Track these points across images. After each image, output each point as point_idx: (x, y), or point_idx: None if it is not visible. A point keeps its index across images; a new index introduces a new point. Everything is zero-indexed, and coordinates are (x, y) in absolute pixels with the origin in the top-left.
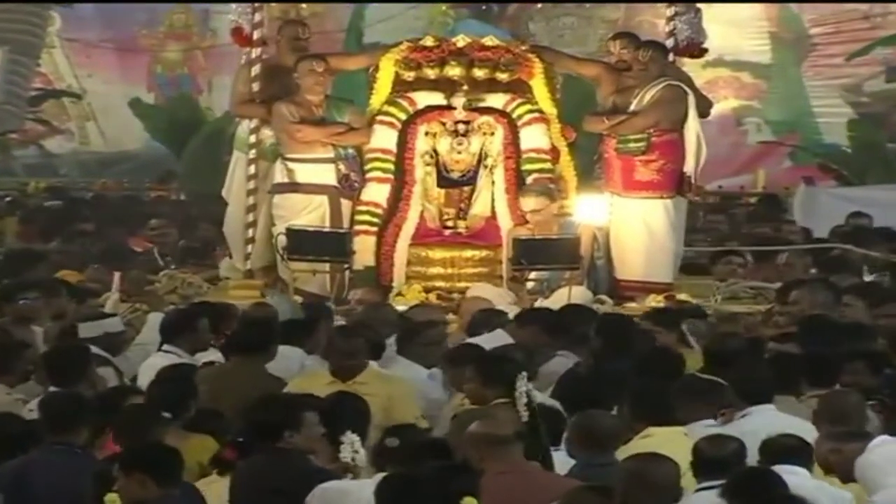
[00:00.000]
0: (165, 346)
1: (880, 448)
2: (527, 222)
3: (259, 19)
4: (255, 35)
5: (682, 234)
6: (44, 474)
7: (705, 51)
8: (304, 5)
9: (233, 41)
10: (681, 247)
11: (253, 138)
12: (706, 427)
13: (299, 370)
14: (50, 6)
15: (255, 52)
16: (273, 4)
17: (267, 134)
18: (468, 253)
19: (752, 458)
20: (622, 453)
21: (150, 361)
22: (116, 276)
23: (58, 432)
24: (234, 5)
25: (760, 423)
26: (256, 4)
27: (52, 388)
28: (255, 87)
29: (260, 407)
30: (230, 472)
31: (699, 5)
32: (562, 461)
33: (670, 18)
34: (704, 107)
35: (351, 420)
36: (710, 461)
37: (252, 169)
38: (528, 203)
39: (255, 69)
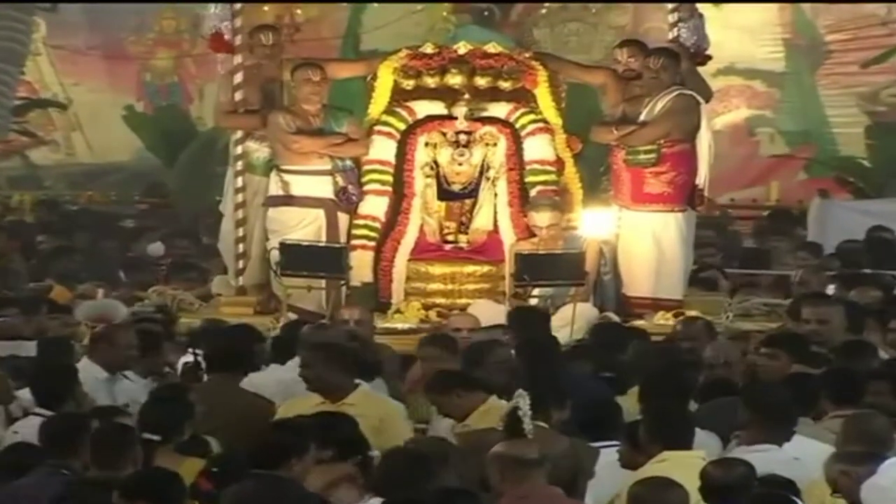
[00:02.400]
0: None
1: (889, 471)
2: (531, 236)
3: (240, 24)
4: (237, 41)
5: (691, 249)
6: (34, 500)
7: (709, 57)
8: (298, 10)
9: (209, 47)
10: (689, 262)
11: (239, 149)
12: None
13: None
14: (34, 12)
15: (237, 59)
16: (266, 9)
17: (253, 147)
18: (469, 268)
19: None
20: (636, 478)
21: None
22: (100, 292)
23: (58, 455)
24: (212, 10)
25: (789, 447)
26: (236, 8)
27: (37, 410)
28: (238, 95)
29: (268, 432)
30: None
31: (700, 7)
32: None
33: (673, 24)
34: (706, 95)
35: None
36: (718, 486)
37: (239, 182)
38: (544, 218)
39: (238, 77)
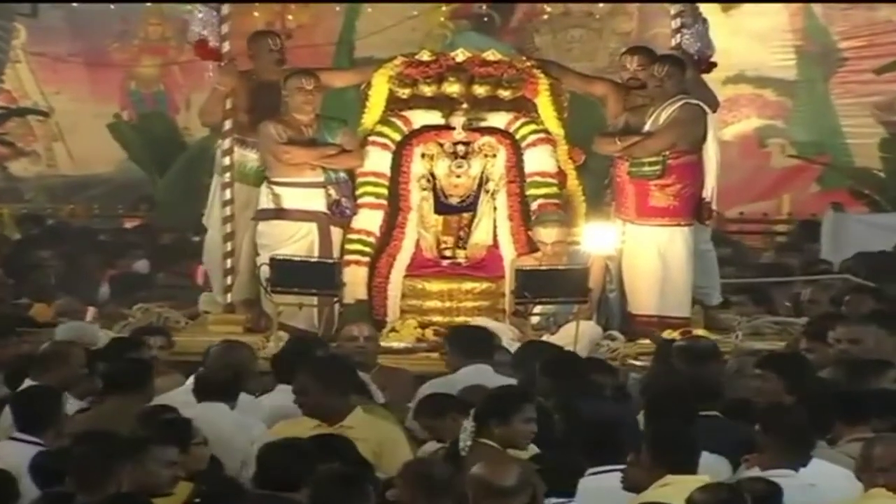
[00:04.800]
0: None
1: None
2: (532, 251)
3: (226, 31)
4: (225, 48)
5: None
6: None
7: (714, 65)
8: (290, 16)
9: (195, 54)
10: (695, 278)
11: (227, 160)
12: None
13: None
14: (14, 17)
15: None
16: (257, 15)
17: (251, 157)
18: (468, 285)
19: None
20: (637, 502)
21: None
22: (90, 310)
23: (86, 490)
24: (198, 15)
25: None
26: (224, 14)
27: (16, 435)
28: (229, 103)
29: (270, 454)
30: None
31: (708, 13)
32: None
33: (676, 31)
34: (712, 104)
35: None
36: None
37: (227, 194)
38: (551, 234)
39: (229, 83)
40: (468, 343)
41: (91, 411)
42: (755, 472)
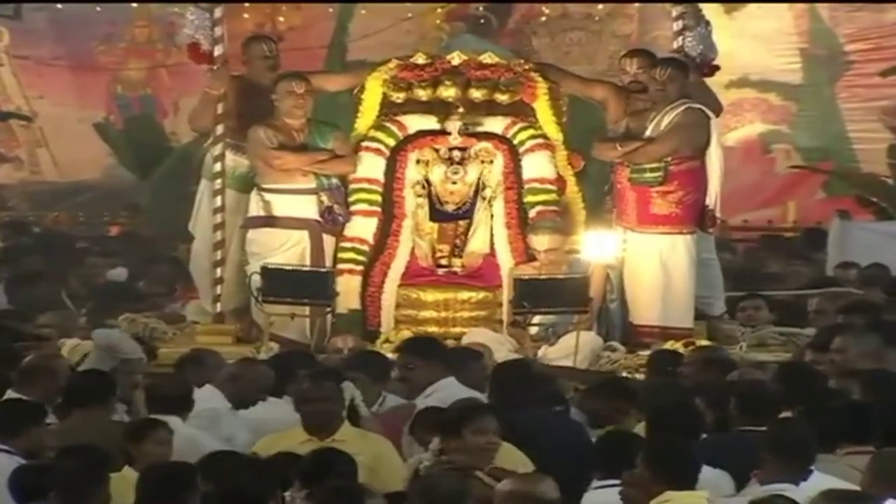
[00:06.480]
0: None
1: None
2: (530, 260)
3: (220, 34)
4: (216, 52)
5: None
6: None
7: (717, 68)
8: (281, 18)
9: (188, 58)
10: (697, 287)
11: (218, 166)
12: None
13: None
14: None
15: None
16: (247, 17)
17: (241, 162)
18: (464, 294)
19: None
20: None
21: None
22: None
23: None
24: (189, 17)
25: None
26: (217, 17)
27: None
28: (221, 107)
29: (242, 472)
30: None
31: (710, 15)
32: None
33: (678, 33)
34: (716, 108)
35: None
36: None
37: (218, 201)
38: (543, 242)
39: (221, 89)
40: (435, 354)
41: (54, 426)
42: (756, 486)
